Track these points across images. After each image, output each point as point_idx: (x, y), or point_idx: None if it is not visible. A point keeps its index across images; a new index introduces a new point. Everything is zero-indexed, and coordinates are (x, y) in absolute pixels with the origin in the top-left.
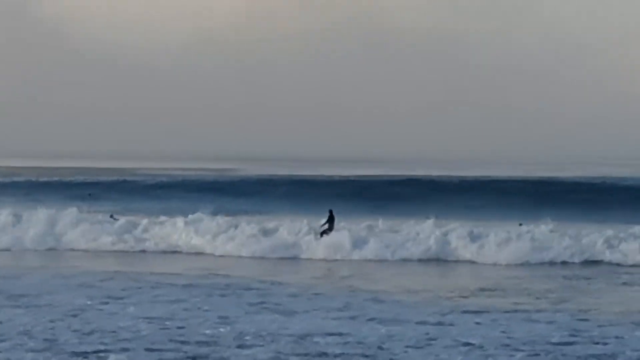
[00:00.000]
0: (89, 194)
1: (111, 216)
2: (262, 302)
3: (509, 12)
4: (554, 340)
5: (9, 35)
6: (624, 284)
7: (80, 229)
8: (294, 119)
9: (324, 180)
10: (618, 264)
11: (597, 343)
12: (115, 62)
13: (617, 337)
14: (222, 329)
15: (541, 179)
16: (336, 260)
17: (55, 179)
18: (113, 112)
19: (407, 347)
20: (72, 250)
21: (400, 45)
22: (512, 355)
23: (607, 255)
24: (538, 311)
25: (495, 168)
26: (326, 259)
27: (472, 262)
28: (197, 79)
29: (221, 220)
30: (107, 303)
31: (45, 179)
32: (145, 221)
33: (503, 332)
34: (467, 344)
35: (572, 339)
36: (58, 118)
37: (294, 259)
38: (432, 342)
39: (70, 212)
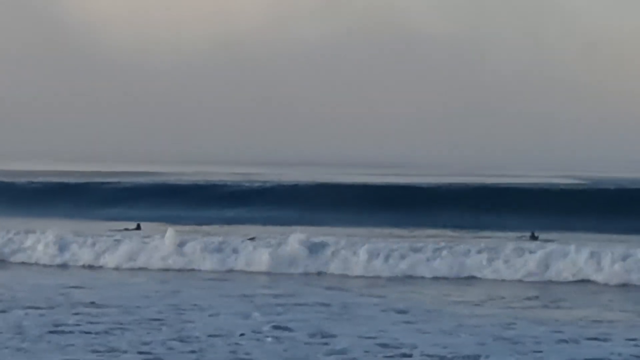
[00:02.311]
0: (138, 225)
1: (137, 226)
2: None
3: (535, 18)
4: None
5: (34, 39)
6: None
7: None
8: (314, 123)
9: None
10: None
11: None
12: (135, 65)
13: None
14: None
15: (569, 186)
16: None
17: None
18: (136, 114)
19: None
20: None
21: (421, 50)
22: None
23: None
24: None
25: (518, 174)
26: None
27: None
28: (217, 82)
29: None
30: None
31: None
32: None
33: None
34: None
35: None
36: (83, 120)
37: None
38: None
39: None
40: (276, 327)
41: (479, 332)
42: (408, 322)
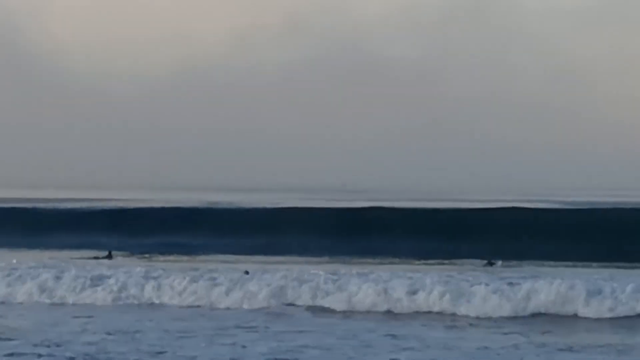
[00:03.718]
0: (109, 253)
1: (108, 254)
2: None
3: (502, 41)
4: None
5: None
6: None
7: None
8: (277, 148)
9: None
10: None
11: None
12: (101, 91)
13: None
14: None
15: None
16: None
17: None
18: (99, 140)
19: None
20: None
21: (386, 74)
22: None
23: None
24: None
25: (475, 199)
26: None
27: None
28: (181, 107)
29: None
30: None
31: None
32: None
33: None
34: None
35: None
36: (44, 146)
37: None
38: None
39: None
40: None
41: None
42: None
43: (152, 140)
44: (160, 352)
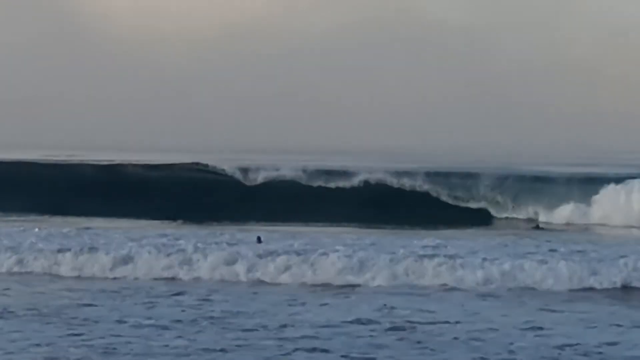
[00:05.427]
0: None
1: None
2: None
3: (553, 7)
4: None
5: (44, 31)
6: None
7: None
8: (320, 112)
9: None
10: None
11: None
12: (144, 55)
13: None
14: None
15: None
16: None
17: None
18: (136, 103)
19: None
20: None
21: (435, 39)
22: None
23: None
24: None
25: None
26: None
27: None
28: (228, 72)
29: None
30: None
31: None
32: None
33: None
34: None
35: None
36: (94, 111)
37: None
38: None
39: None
40: None
41: None
42: None
43: (201, 104)
44: None
